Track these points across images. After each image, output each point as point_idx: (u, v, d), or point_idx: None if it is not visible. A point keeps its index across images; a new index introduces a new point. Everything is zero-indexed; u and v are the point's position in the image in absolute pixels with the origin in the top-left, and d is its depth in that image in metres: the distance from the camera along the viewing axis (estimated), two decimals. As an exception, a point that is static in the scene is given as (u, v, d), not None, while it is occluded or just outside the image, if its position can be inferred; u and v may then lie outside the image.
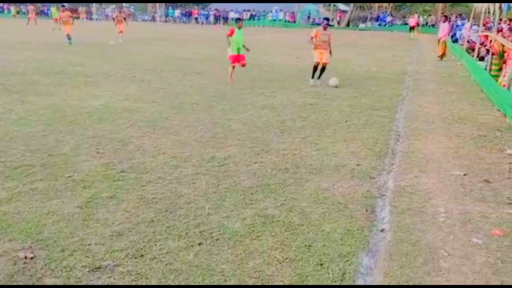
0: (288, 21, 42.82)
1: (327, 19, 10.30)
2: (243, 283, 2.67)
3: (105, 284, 2.63)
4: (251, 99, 8.11)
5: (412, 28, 29.15)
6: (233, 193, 3.91)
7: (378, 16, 43.24)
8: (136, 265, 2.80)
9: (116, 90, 8.56)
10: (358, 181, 4.31)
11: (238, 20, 10.23)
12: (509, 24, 12.43)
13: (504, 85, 8.27)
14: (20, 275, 2.66)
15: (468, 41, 16.00)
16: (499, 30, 11.79)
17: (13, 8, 44.96)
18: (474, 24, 16.87)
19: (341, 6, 45.25)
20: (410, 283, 2.73)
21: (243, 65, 9.72)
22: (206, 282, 2.67)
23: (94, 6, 44.87)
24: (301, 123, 6.47)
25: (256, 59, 12.85)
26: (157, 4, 44.47)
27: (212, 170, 4.46)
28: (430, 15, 39.79)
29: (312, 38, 9.49)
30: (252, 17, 43.01)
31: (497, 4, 11.74)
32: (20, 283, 2.60)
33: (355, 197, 3.91)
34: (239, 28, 9.52)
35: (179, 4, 49.93)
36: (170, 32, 29.13)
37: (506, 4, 12.18)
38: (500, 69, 9.65)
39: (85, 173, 4.26)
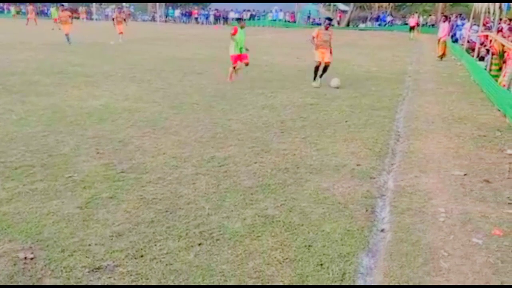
0: (288, 21, 42.84)
1: (330, 19, 10.18)
2: (243, 283, 2.67)
3: (105, 284, 2.63)
4: (251, 99, 8.11)
5: (412, 28, 29.16)
6: (233, 193, 3.91)
7: (378, 16, 43.25)
8: (136, 266, 2.80)
9: (116, 90, 8.56)
10: (358, 181, 4.31)
11: (240, 19, 10.14)
12: (509, 24, 12.42)
13: (504, 85, 8.27)
14: (20, 276, 2.66)
15: (468, 41, 16.01)
16: (499, 30, 11.79)
17: (12, 8, 44.96)
18: (474, 24, 16.87)
19: (341, 6, 45.26)
20: (410, 283, 2.73)
21: (247, 64, 9.60)
22: (206, 282, 2.67)
23: (94, 6, 44.88)
24: (301, 123, 6.47)
25: (256, 59, 12.85)
26: (157, 4, 44.49)
27: (212, 170, 4.46)
28: (430, 15, 39.80)
29: (313, 37, 9.42)
30: (252, 17, 43.00)
31: (497, 4, 11.74)
32: (20, 284, 2.60)
33: (355, 197, 3.91)
34: (242, 27, 9.46)
35: (179, 4, 49.93)
36: (170, 32, 29.13)
37: (506, 4, 12.17)
38: (500, 69, 9.66)
39: (85, 174, 4.26)
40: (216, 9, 45.95)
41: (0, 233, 3.13)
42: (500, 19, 13.00)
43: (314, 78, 9.56)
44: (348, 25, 41.46)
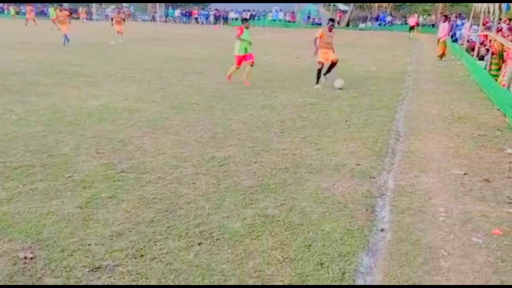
0: (289, 21, 42.84)
1: (333, 20, 10.04)
2: (243, 283, 2.67)
3: (105, 284, 2.63)
4: (251, 99, 8.11)
5: (412, 28, 29.16)
6: (233, 193, 3.91)
7: (378, 16, 43.26)
8: (136, 265, 2.80)
9: (116, 90, 8.56)
10: (358, 180, 4.31)
11: (244, 20, 9.96)
12: (508, 24, 12.42)
13: (503, 85, 8.27)
14: (20, 275, 2.66)
15: (467, 41, 16.01)
16: (499, 30, 11.79)
17: (12, 8, 44.95)
18: (474, 24, 16.88)
19: (341, 6, 45.27)
20: (410, 283, 2.73)
21: (252, 64, 9.40)
22: (206, 282, 2.67)
23: (94, 7, 44.88)
24: (301, 123, 6.47)
25: (256, 59, 12.80)
26: (157, 4, 44.50)
27: (212, 170, 4.47)
28: (429, 14, 39.81)
29: (316, 38, 9.28)
30: (252, 17, 42.93)
31: (497, 4, 11.75)
32: (20, 283, 2.60)
33: (355, 197, 3.91)
34: (247, 28, 9.33)
35: (179, 4, 49.93)
36: (170, 32, 29.14)
37: (506, 3, 12.17)
38: (500, 69, 9.66)
39: (85, 174, 4.26)
40: (216, 9, 45.95)
41: (0, 233, 3.13)
42: (500, 19, 13.00)
43: (317, 81, 9.35)
44: (348, 25, 41.47)
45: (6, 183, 3.97)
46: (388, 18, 41.84)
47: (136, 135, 5.60)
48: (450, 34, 19.42)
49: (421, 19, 36.01)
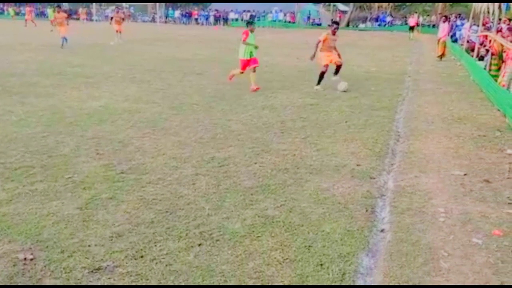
0: (289, 22, 42.85)
1: (337, 23, 9.90)
2: (243, 284, 2.67)
3: (105, 284, 2.62)
4: (251, 99, 8.11)
5: (412, 28, 29.18)
6: (233, 194, 3.91)
7: (378, 16, 43.30)
8: (136, 266, 2.80)
9: (116, 91, 8.57)
10: (358, 181, 4.30)
11: (250, 23, 9.52)
12: (508, 24, 12.43)
13: (503, 85, 8.27)
14: (20, 277, 2.66)
15: (467, 41, 16.02)
16: (499, 30, 11.79)
17: (11, 9, 44.97)
18: (474, 24, 16.88)
19: (341, 6, 45.31)
20: (410, 283, 2.73)
21: (254, 69, 9.04)
22: (206, 283, 2.66)
23: (94, 7, 44.90)
24: (301, 123, 6.47)
25: (256, 59, 12.84)
26: (157, 5, 44.53)
27: (212, 170, 4.46)
28: (428, 15, 39.84)
29: (319, 41, 9.16)
30: (252, 17, 42.99)
31: (496, 4, 11.75)
32: (20, 284, 2.60)
33: (355, 197, 3.91)
34: (252, 31, 9.00)
35: (179, 4, 49.97)
36: (170, 32, 29.15)
37: (505, 4, 12.18)
38: (499, 69, 9.66)
39: (85, 174, 4.26)
40: (216, 10, 45.99)
41: (0, 234, 3.13)
42: (500, 19, 13.01)
43: (318, 83, 9.28)
44: (348, 25, 41.49)
45: (6, 184, 3.97)
46: (388, 19, 41.88)
47: (136, 136, 5.60)
48: (450, 34, 19.43)
49: (421, 19, 36.04)
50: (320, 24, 41.05)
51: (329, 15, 43.97)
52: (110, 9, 46.03)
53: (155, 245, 3.03)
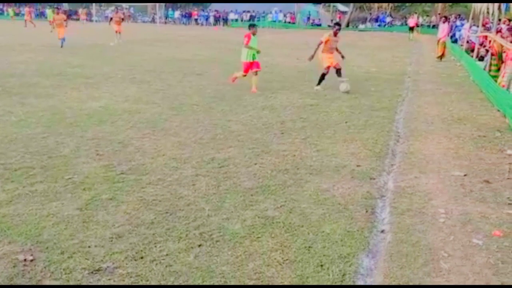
0: (289, 22, 42.86)
1: (339, 24, 9.84)
2: (243, 284, 2.67)
3: (105, 285, 2.62)
4: (251, 100, 8.11)
5: (411, 29, 29.19)
6: (233, 195, 3.91)
7: (378, 17, 43.32)
8: (136, 267, 2.79)
9: (116, 92, 8.57)
10: (358, 182, 4.30)
11: (252, 26, 9.23)
12: (508, 25, 12.44)
13: (503, 86, 8.27)
14: (20, 278, 2.66)
15: (467, 42, 16.02)
16: (498, 31, 11.80)
17: (10, 10, 44.97)
18: (473, 25, 16.89)
19: (341, 7, 45.33)
20: (411, 284, 2.73)
21: (256, 73, 8.96)
22: (206, 284, 2.66)
23: (94, 8, 44.92)
24: (301, 124, 6.47)
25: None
26: (157, 5, 44.54)
27: (212, 171, 4.46)
28: (428, 15, 39.86)
29: (321, 42, 9.09)
30: (252, 18, 43.06)
31: (496, 5, 11.76)
32: (20, 284, 2.60)
33: (355, 198, 3.91)
34: (254, 34, 8.83)
35: (179, 5, 49.99)
36: (170, 33, 29.16)
37: (505, 4, 12.19)
38: (499, 70, 9.66)
39: (84, 175, 4.25)
40: (216, 10, 46.00)
41: (0, 235, 3.12)
42: (499, 20, 13.01)
43: (319, 83, 9.27)
44: (347, 26, 41.48)
45: (6, 185, 3.97)
46: (388, 19, 41.90)
47: (136, 136, 5.60)
48: (450, 35, 19.44)
49: (420, 20, 36.06)
50: (320, 25, 41.06)
51: (328, 16, 44.01)
52: (110, 9, 46.05)
53: (155, 246, 3.03)
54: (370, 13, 44.69)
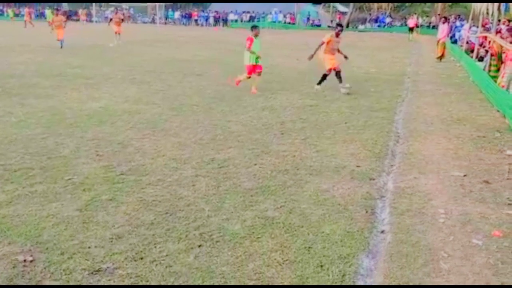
0: (289, 23, 42.87)
1: (341, 25, 9.78)
2: (243, 284, 2.67)
3: (105, 285, 2.62)
4: (251, 100, 8.11)
5: (411, 29, 29.20)
6: (233, 195, 3.91)
7: (377, 18, 43.32)
8: (136, 268, 2.80)
9: (116, 92, 8.57)
10: (357, 182, 4.31)
11: (254, 27, 8.91)
12: (507, 25, 12.45)
13: (503, 86, 8.28)
14: (20, 278, 2.66)
15: (467, 42, 16.03)
16: (498, 31, 11.81)
17: (10, 11, 44.98)
18: (473, 25, 16.90)
19: (340, 7, 45.35)
20: (410, 284, 2.73)
21: (259, 74, 8.92)
22: (206, 284, 2.66)
23: (94, 9, 44.95)
24: (300, 124, 6.47)
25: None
26: (157, 6, 44.56)
27: (212, 172, 4.46)
28: (427, 16, 39.88)
29: (323, 43, 9.06)
30: (251, 19, 43.08)
31: (496, 5, 11.76)
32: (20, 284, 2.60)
33: (355, 199, 3.91)
34: (256, 36, 8.72)
35: (179, 6, 50.01)
36: (170, 34, 29.16)
37: (504, 4, 12.20)
38: (499, 70, 9.67)
39: (84, 176, 4.26)
40: (216, 11, 46.01)
41: (0, 236, 3.12)
42: (499, 20, 13.03)
43: (319, 83, 9.26)
44: (347, 26, 41.46)
45: (6, 186, 3.97)
46: (388, 20, 41.90)
47: (136, 137, 5.60)
48: (450, 35, 19.45)
49: (420, 20, 36.07)
50: (319, 25, 41.08)
51: (328, 16, 44.02)
52: (110, 10, 46.08)
53: (155, 247, 3.03)
54: (370, 14, 44.71)
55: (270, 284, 2.69)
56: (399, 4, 46.07)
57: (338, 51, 9.38)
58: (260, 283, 2.69)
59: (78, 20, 43.10)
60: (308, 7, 44.26)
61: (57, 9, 20.23)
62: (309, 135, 5.92)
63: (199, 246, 3.06)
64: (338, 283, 2.71)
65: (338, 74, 9.21)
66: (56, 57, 14.18)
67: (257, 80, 8.93)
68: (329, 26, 37.82)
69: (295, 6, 43.68)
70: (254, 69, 8.86)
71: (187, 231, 3.25)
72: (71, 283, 2.63)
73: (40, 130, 5.80)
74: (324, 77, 9.27)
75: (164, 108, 7.33)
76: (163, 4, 46.53)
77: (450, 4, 40.17)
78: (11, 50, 15.77)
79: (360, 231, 3.33)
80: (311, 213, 3.60)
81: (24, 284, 2.62)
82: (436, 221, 3.55)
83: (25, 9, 34.36)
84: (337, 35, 9.18)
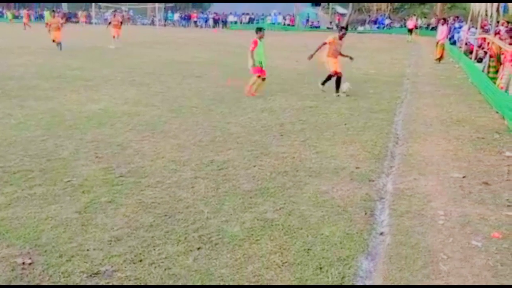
0: (288, 25, 42.91)
1: (346, 28, 9.75)
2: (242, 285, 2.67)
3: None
4: (250, 102, 8.11)
5: (410, 31, 29.23)
6: (232, 197, 3.91)
7: (377, 19, 43.38)
8: (135, 270, 2.79)
9: (115, 94, 8.57)
10: (357, 184, 4.30)
11: (259, 29, 8.75)
12: (506, 27, 12.47)
13: (502, 87, 8.28)
14: (18, 281, 2.65)
15: (466, 44, 16.05)
16: (497, 33, 11.82)
17: (9, 13, 45.02)
18: (472, 27, 16.93)
19: (340, 9, 45.42)
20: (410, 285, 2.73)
21: (263, 79, 8.87)
22: (206, 285, 2.66)
23: (93, 10, 45.00)
24: (300, 126, 6.47)
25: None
26: (156, 8, 44.61)
27: (211, 174, 4.46)
28: (426, 17, 39.94)
29: (325, 43, 9.03)
30: (251, 20, 43.15)
31: (494, 7, 11.78)
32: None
33: (354, 200, 3.91)
34: (260, 39, 8.60)
35: (178, 7, 50.06)
36: (169, 35, 29.19)
37: (503, 5, 12.22)
38: (498, 71, 9.68)
39: (83, 178, 4.25)
40: (215, 13, 46.07)
41: (-1, 238, 3.12)
42: (498, 22, 13.04)
43: (323, 84, 9.21)
44: (346, 28, 41.53)
45: (5, 188, 3.96)
46: (387, 21, 41.95)
47: (135, 139, 5.60)
48: (449, 37, 19.47)
49: (419, 22, 36.12)
50: (318, 27, 41.13)
51: (327, 18, 44.10)
52: (109, 12, 46.13)
53: (154, 249, 3.03)
54: (369, 15, 44.77)
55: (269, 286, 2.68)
56: (398, 5, 46.15)
57: (340, 54, 9.36)
58: (259, 285, 2.68)
59: (77, 22, 43.14)
60: (307, 8, 44.34)
61: (54, 11, 20.19)
62: (308, 136, 5.92)
63: (198, 248, 3.06)
64: (338, 285, 2.70)
65: (338, 80, 9.19)
66: (55, 59, 14.18)
67: (257, 83, 8.91)
68: (328, 28, 37.88)
69: (294, 8, 43.74)
70: (260, 69, 8.72)
71: (186, 233, 3.25)
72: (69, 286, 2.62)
73: (40, 132, 5.80)
74: (329, 77, 9.24)
75: (163, 110, 7.33)
76: (163, 5, 46.59)
77: (449, 5, 40.24)
78: (11, 52, 15.78)
79: (359, 233, 3.32)
80: (310, 215, 3.60)
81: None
82: (436, 222, 3.55)
83: (23, 11, 34.36)
84: (341, 37, 9.18)
